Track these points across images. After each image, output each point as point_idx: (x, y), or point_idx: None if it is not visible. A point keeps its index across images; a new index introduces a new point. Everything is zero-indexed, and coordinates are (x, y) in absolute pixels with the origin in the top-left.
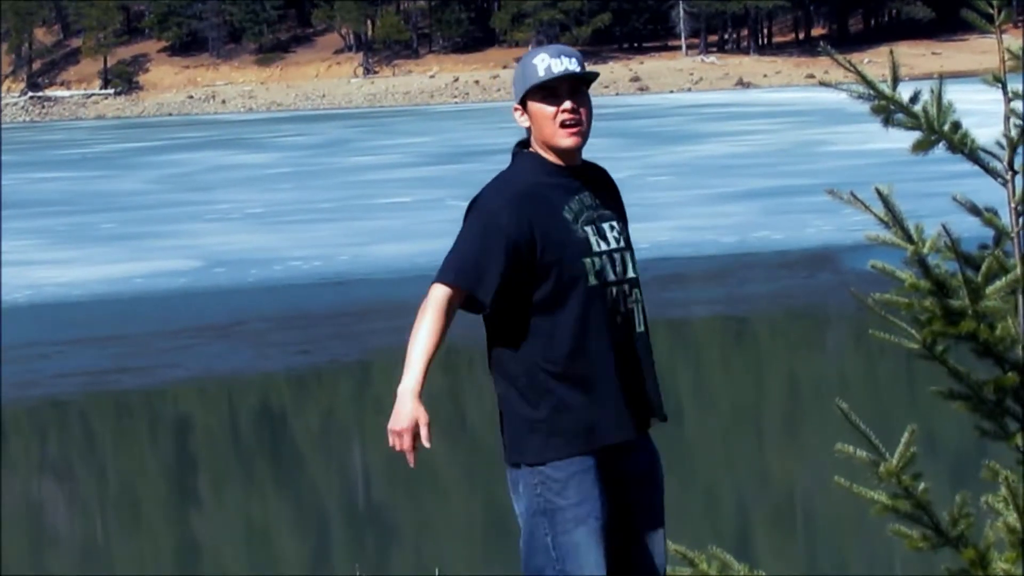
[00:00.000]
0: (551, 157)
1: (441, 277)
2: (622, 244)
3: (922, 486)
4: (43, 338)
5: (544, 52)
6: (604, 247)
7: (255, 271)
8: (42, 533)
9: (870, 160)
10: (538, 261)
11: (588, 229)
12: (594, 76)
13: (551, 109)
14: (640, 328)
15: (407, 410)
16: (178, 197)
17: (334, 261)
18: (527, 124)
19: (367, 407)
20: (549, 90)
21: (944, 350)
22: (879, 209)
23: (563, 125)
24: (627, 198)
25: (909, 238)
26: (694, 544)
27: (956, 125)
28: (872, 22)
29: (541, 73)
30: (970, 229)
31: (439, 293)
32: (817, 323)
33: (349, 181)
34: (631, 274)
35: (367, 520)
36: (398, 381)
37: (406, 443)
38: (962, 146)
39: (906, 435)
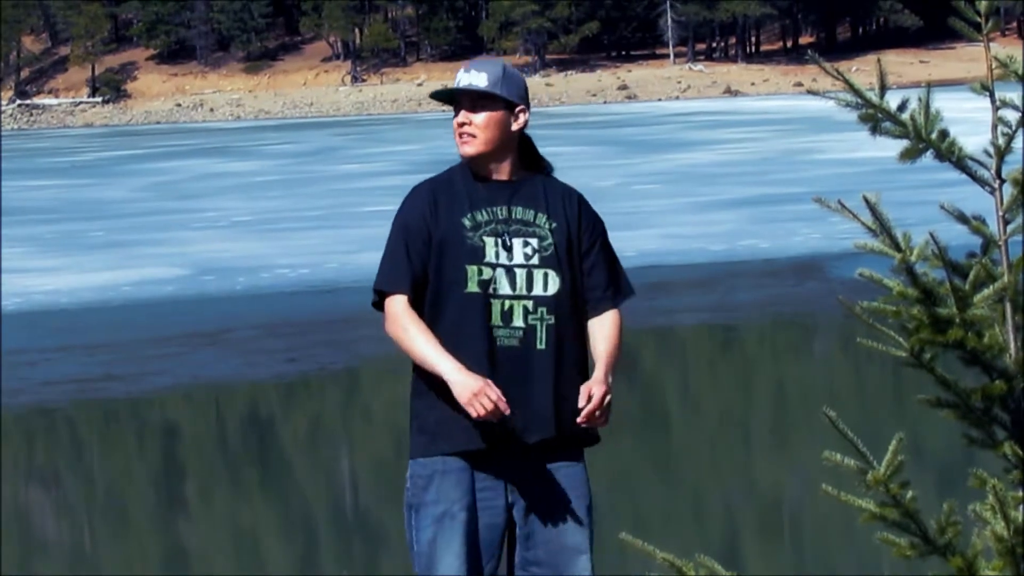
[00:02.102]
0: (479, 168)
1: (376, 284)
2: (535, 261)
3: (910, 494)
4: (31, 345)
5: (464, 66)
6: (504, 260)
7: (243, 279)
8: (30, 540)
9: (858, 168)
10: (429, 258)
11: (489, 240)
12: (491, 95)
13: (454, 120)
14: (542, 345)
15: (467, 379)
16: (166, 205)
17: (322, 269)
18: None
19: (355, 415)
20: (455, 102)
21: (932, 358)
22: (867, 217)
23: (460, 135)
24: (614, 206)
25: (897, 246)
26: (681, 552)
27: (944, 133)
28: (860, 30)
29: (452, 85)
30: (958, 237)
31: (391, 303)
32: (805, 331)
33: (337, 189)
34: (539, 292)
35: (355, 527)
36: (388, 389)
37: (492, 395)
38: (950, 154)
39: (894, 443)
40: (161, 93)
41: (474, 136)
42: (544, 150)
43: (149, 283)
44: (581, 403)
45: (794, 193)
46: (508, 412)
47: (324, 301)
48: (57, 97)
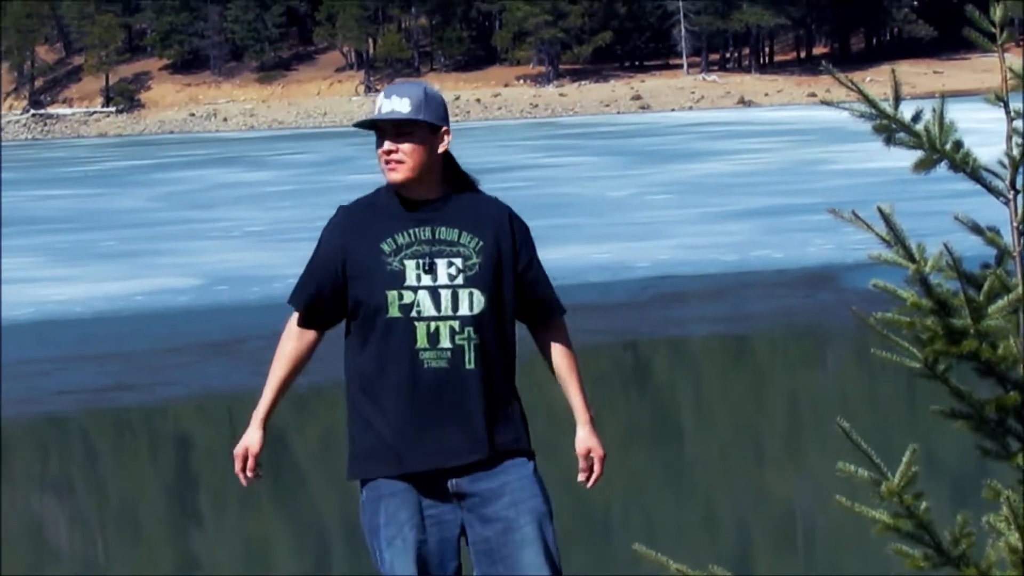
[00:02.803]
0: (404, 189)
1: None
2: (459, 281)
3: (924, 505)
4: (43, 355)
5: (385, 91)
6: (427, 282)
7: (256, 289)
8: (42, 550)
9: (872, 179)
10: (347, 287)
11: (410, 263)
12: (414, 123)
13: (379, 148)
14: (470, 365)
15: (246, 436)
16: (179, 215)
17: None
18: None
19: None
20: (379, 130)
21: (946, 369)
22: (881, 228)
23: (386, 163)
24: (627, 217)
25: (911, 257)
26: (695, 563)
27: (958, 144)
28: (874, 41)
29: (374, 113)
30: (972, 248)
31: (289, 320)
32: (818, 342)
33: (350, 199)
34: (464, 311)
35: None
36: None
37: (237, 466)
38: (964, 165)
39: (908, 454)
40: (175, 103)
41: (401, 162)
42: (557, 160)
43: (162, 293)
44: (583, 466)
45: (807, 204)
46: (244, 484)
47: None
48: (71, 107)
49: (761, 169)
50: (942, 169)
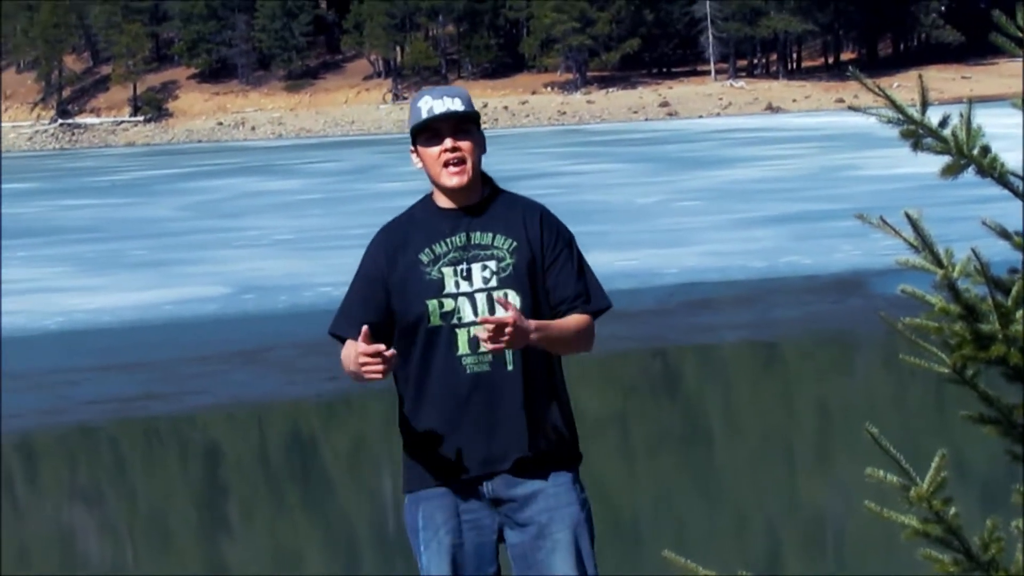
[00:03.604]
0: (441, 199)
1: (329, 328)
2: (493, 283)
3: (953, 510)
4: (72, 365)
5: (428, 94)
6: (465, 288)
7: (284, 297)
8: (72, 559)
9: (899, 184)
10: (390, 302)
11: (448, 271)
12: (476, 116)
13: (435, 149)
14: (511, 367)
15: (347, 350)
16: (207, 224)
17: None
18: (419, 166)
19: (396, 433)
20: (433, 131)
21: (974, 374)
22: (909, 234)
23: (446, 164)
24: (655, 224)
25: (939, 262)
26: (724, 569)
27: (985, 149)
28: (901, 46)
29: (424, 115)
30: (1000, 253)
31: (344, 347)
32: (847, 348)
33: (379, 207)
34: (502, 313)
35: (397, 546)
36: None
37: (362, 367)
38: (991, 170)
39: (937, 459)
40: (202, 112)
41: (464, 161)
42: (585, 167)
43: (190, 302)
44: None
45: (835, 210)
46: (383, 377)
47: None
48: (99, 116)
49: (789, 175)
50: (969, 174)
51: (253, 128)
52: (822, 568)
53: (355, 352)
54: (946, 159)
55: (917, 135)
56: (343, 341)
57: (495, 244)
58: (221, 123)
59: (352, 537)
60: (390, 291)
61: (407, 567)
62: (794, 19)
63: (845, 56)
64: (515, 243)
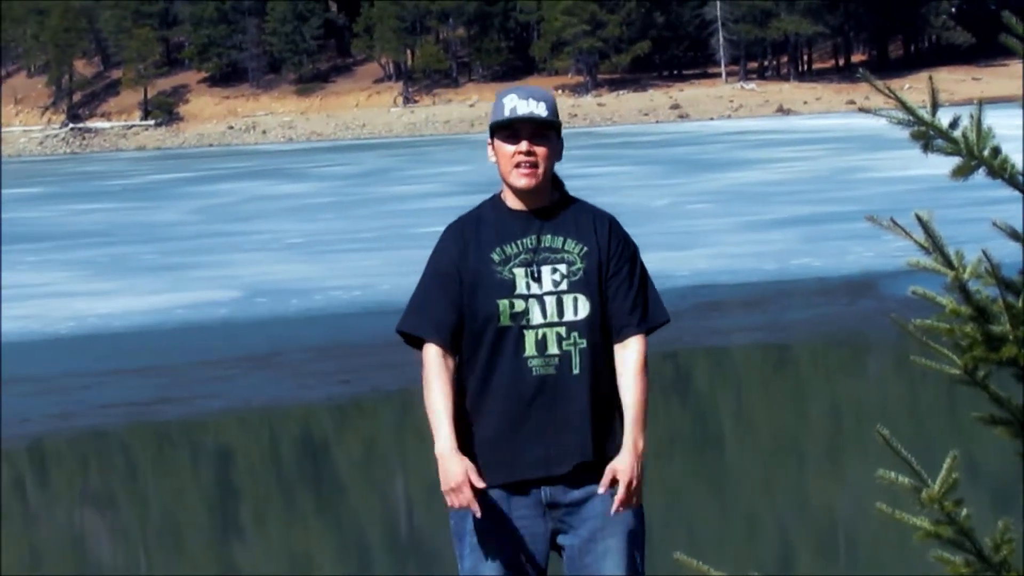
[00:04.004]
0: (511, 199)
1: (403, 327)
2: (563, 287)
3: (964, 512)
4: (84, 369)
5: (515, 93)
6: (535, 290)
7: (296, 301)
8: (85, 563)
9: (910, 186)
10: (463, 300)
11: (519, 271)
12: (557, 124)
13: (511, 148)
14: (577, 370)
15: (453, 466)
16: (218, 228)
17: (375, 291)
18: (494, 160)
19: (408, 437)
20: (512, 130)
21: (985, 376)
22: (919, 235)
23: (518, 165)
24: (666, 226)
25: (950, 264)
26: (736, 571)
27: (996, 150)
28: (912, 48)
29: (506, 113)
30: (1011, 255)
31: (425, 349)
32: (858, 350)
33: (390, 210)
34: (571, 317)
35: (409, 550)
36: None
37: (466, 495)
38: (1002, 171)
39: (948, 461)
40: (213, 116)
41: (536, 166)
42: (596, 169)
43: (202, 306)
44: (604, 483)
45: (846, 211)
46: (479, 515)
47: (377, 323)
48: (109, 120)
49: (800, 177)
50: (980, 176)
51: (264, 132)
52: (834, 570)
53: (463, 476)
54: (956, 160)
55: (928, 137)
56: (417, 341)
57: (565, 248)
58: (232, 127)
59: (364, 541)
60: (462, 288)
61: (419, 570)
62: (805, 21)
63: (856, 58)
64: (585, 248)
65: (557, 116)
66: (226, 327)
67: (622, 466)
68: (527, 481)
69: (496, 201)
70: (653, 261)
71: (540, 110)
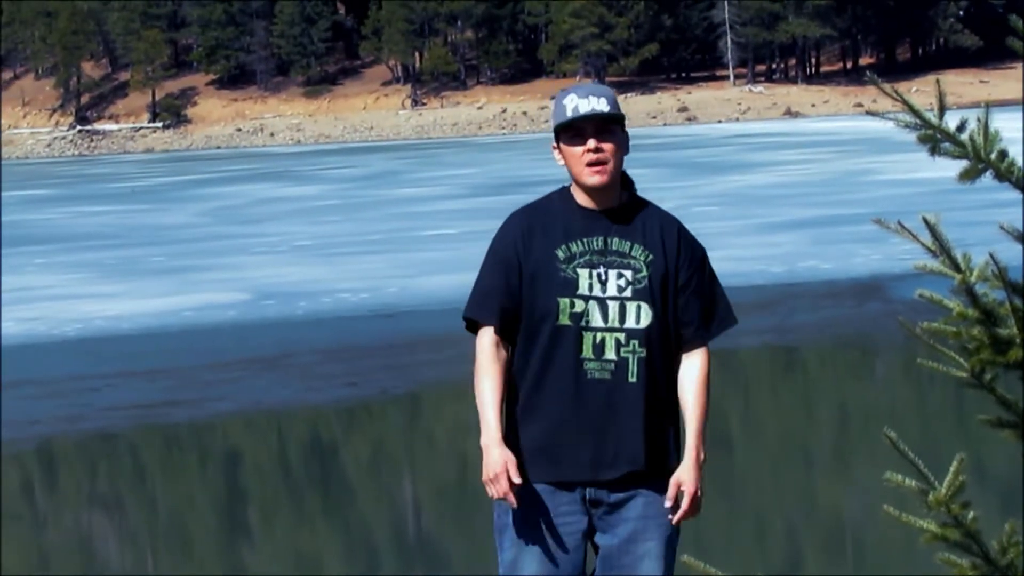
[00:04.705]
0: (580, 196)
1: (466, 312)
2: (628, 293)
3: (971, 515)
4: (92, 371)
5: (574, 92)
6: (598, 293)
7: (304, 303)
8: (92, 565)
9: (917, 189)
10: (522, 290)
11: (583, 272)
12: (621, 117)
13: (578, 149)
14: (633, 378)
15: (494, 457)
16: (226, 230)
17: (382, 293)
18: (562, 163)
19: (417, 439)
20: (576, 130)
21: (992, 379)
22: (927, 238)
23: (589, 164)
24: None
25: (957, 267)
26: (745, 571)
27: (1003, 153)
28: (920, 51)
29: (568, 113)
30: (1018, 257)
31: (479, 335)
32: (865, 352)
33: (397, 213)
34: (631, 324)
35: (417, 552)
36: (450, 413)
37: (503, 486)
38: (1009, 174)
39: (955, 464)
40: (221, 118)
41: (606, 163)
42: None
43: (210, 308)
44: (670, 496)
45: (854, 214)
46: (515, 506)
47: (385, 325)
48: (117, 123)
49: (807, 180)
50: (987, 179)
51: (272, 134)
52: (841, 572)
53: (502, 467)
54: (964, 163)
55: (935, 139)
56: (475, 325)
57: (632, 254)
58: (240, 129)
59: (371, 543)
60: (522, 278)
61: (427, 572)
62: (812, 24)
63: (863, 61)
64: (652, 255)
65: (619, 109)
66: (234, 329)
67: (687, 478)
68: (573, 481)
69: (566, 194)
70: None
71: (602, 105)
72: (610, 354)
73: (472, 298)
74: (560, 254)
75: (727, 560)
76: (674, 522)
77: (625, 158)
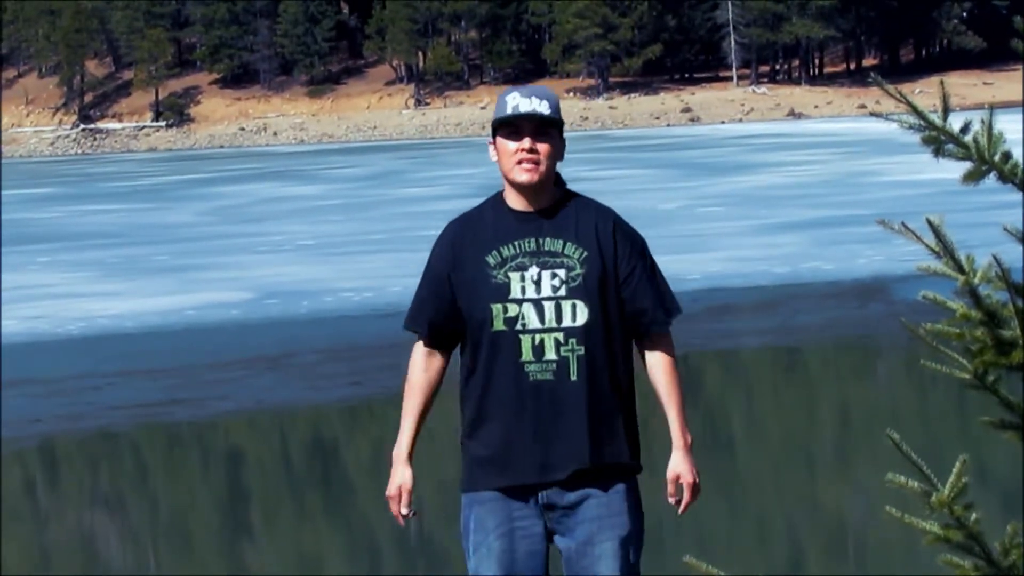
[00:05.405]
0: (512, 199)
1: (404, 323)
2: (562, 292)
3: (974, 516)
4: (95, 370)
5: (518, 91)
6: (532, 294)
7: (306, 303)
8: (94, 564)
9: (921, 190)
10: (458, 302)
11: (515, 276)
12: (559, 122)
13: (512, 145)
14: (575, 377)
15: (395, 477)
16: (229, 229)
17: (386, 292)
18: (495, 158)
19: (419, 439)
20: (514, 127)
21: (995, 380)
22: (930, 239)
23: (520, 162)
24: (678, 229)
25: (960, 268)
26: (747, 571)
27: (1007, 155)
28: (923, 52)
29: (508, 110)
30: (1021, 259)
31: (413, 349)
32: (868, 353)
33: (401, 212)
34: (568, 323)
35: (419, 552)
36: (451, 413)
37: (394, 508)
38: (1013, 176)
39: (957, 465)
40: (224, 117)
41: (538, 164)
42: (607, 172)
43: (213, 307)
44: (671, 492)
45: (857, 215)
46: (402, 523)
47: (387, 325)
48: (121, 121)
49: (811, 181)
50: (991, 180)
51: (275, 133)
52: (843, 573)
53: (395, 491)
54: (967, 165)
55: (938, 141)
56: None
57: (565, 252)
58: (243, 128)
59: (374, 542)
60: (456, 291)
61: (429, 571)
62: (816, 25)
63: (867, 62)
64: (586, 253)
65: (559, 115)
66: (237, 328)
67: (682, 469)
68: (525, 486)
69: (497, 200)
70: (664, 264)
71: (543, 108)
72: (550, 354)
73: (408, 310)
74: (491, 260)
75: (729, 561)
76: (680, 512)
77: (559, 163)
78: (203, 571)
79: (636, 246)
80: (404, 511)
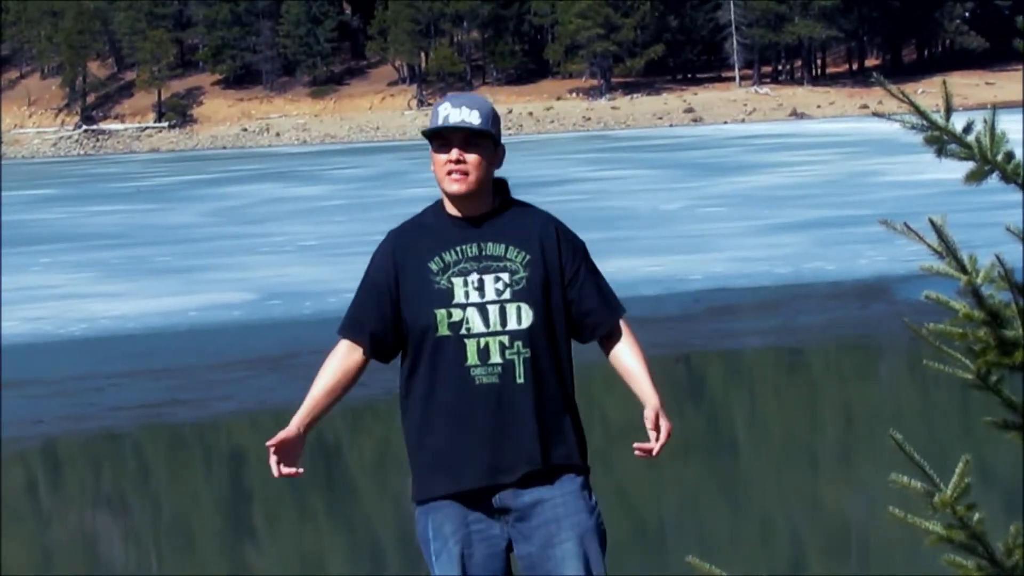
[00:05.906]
0: (449, 204)
1: (338, 331)
2: (507, 296)
3: (977, 516)
4: (97, 371)
5: (449, 101)
6: (476, 299)
7: (309, 303)
8: (97, 565)
9: (923, 190)
10: (400, 310)
11: (458, 281)
12: (487, 133)
13: (442, 157)
14: (521, 379)
15: (282, 431)
16: (232, 230)
17: None
18: (432, 168)
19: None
20: (443, 139)
21: (998, 380)
22: (932, 239)
23: (449, 172)
24: (679, 229)
25: (963, 268)
26: (749, 571)
27: (1009, 155)
28: (926, 52)
29: (439, 122)
30: (1023, 259)
31: (337, 344)
32: (871, 353)
33: (403, 213)
34: (513, 326)
35: (420, 552)
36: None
37: (271, 459)
38: (1015, 176)
39: (960, 465)
40: (227, 118)
41: (466, 175)
42: (609, 173)
43: (215, 308)
44: (651, 427)
45: (860, 215)
46: (276, 475)
47: None
48: (123, 122)
49: (813, 181)
50: (993, 180)
51: (278, 134)
52: (845, 572)
53: (280, 437)
54: (970, 165)
55: (941, 141)
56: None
57: (508, 256)
58: (246, 129)
59: (377, 542)
60: (399, 299)
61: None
62: (818, 25)
63: (869, 62)
64: (529, 256)
65: (491, 124)
66: (239, 329)
67: (660, 412)
68: (477, 490)
69: (438, 207)
70: (667, 264)
71: (472, 118)
72: (495, 358)
73: (344, 319)
74: (433, 266)
75: (732, 561)
76: (654, 454)
77: (495, 169)
78: (206, 571)
79: (579, 250)
80: (280, 466)
